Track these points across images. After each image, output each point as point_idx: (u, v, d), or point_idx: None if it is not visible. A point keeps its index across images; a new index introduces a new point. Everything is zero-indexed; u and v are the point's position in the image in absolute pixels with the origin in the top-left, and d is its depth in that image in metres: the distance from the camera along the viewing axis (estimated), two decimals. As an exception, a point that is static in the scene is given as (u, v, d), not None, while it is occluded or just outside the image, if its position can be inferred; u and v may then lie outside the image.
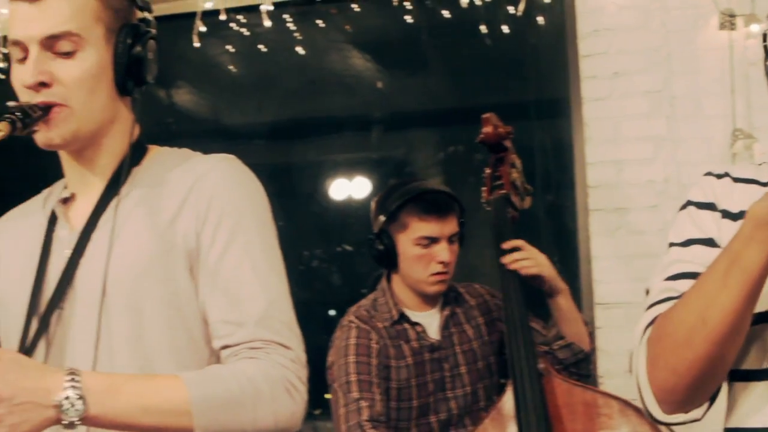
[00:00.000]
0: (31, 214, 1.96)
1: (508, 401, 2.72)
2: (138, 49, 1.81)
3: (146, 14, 1.88)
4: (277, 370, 1.67)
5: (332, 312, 4.23)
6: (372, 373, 2.91)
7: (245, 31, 4.35)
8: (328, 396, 3.05)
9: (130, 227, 1.78)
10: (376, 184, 4.55)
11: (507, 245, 2.92)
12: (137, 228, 1.78)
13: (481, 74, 4.39)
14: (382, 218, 3.08)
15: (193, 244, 1.75)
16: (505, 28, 4.05)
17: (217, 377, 1.65)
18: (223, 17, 4.16)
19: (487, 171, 3.11)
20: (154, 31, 1.86)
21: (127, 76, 1.81)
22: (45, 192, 2.00)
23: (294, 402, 1.68)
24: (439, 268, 3.02)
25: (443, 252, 3.01)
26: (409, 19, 4.14)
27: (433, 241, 3.02)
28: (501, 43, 4.15)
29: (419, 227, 3.02)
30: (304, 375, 1.72)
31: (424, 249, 3.02)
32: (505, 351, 3.07)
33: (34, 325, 1.78)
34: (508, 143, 3.09)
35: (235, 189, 1.80)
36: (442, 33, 4.30)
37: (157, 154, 1.93)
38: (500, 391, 2.94)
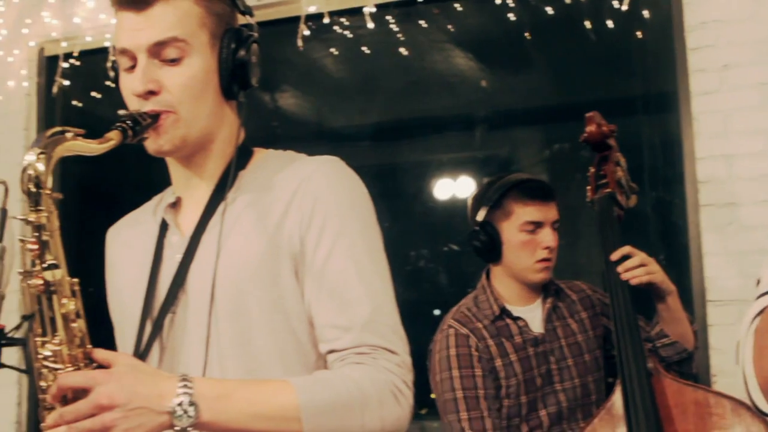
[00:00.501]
0: (143, 220, 2.00)
1: (617, 401, 2.68)
2: (242, 53, 1.84)
3: (248, 18, 1.90)
4: (383, 375, 1.68)
5: (437, 312, 4.22)
6: (478, 386, 2.90)
7: (348, 34, 4.37)
8: (434, 396, 3.06)
9: (237, 231, 1.80)
10: (480, 183, 4.53)
11: (615, 256, 2.86)
12: (244, 231, 1.80)
13: (586, 70, 4.33)
14: (484, 210, 3.08)
15: (297, 247, 1.77)
16: (610, 23, 3.99)
17: (325, 383, 1.66)
18: (326, 20, 4.19)
19: (592, 170, 3.07)
20: (256, 34, 1.89)
21: (232, 80, 1.84)
22: (155, 199, 2.04)
23: (400, 407, 1.69)
24: (545, 254, 3.02)
25: (548, 237, 3.02)
26: (511, 16, 4.12)
27: (537, 226, 3.02)
28: (606, 38, 4.09)
29: (524, 212, 3.03)
30: (410, 379, 1.72)
31: (529, 234, 3.02)
32: (608, 346, 3.07)
33: (148, 329, 1.83)
34: (612, 141, 3.05)
35: (339, 191, 1.81)
36: (546, 30, 4.25)
37: (262, 157, 1.95)
38: (609, 388, 2.91)
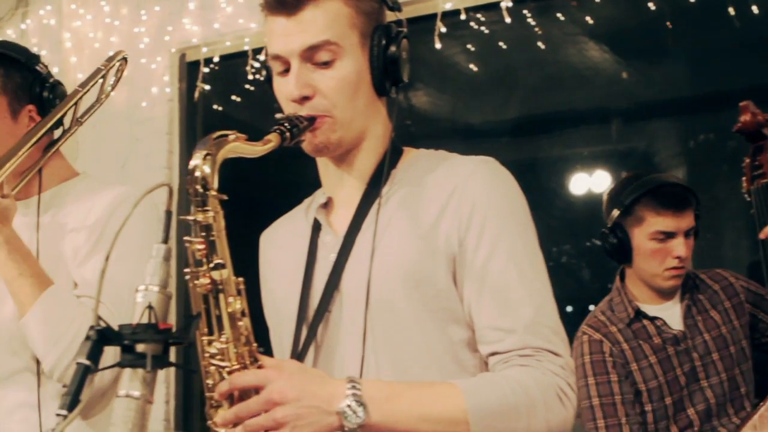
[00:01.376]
0: (296, 222, 2.02)
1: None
2: (392, 49, 1.84)
3: (397, 14, 1.90)
4: (548, 378, 1.66)
5: (591, 307, 4.17)
6: (614, 392, 2.86)
7: (485, 29, 4.35)
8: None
9: (392, 230, 1.80)
10: (617, 178, 4.45)
11: (764, 233, 2.80)
12: (399, 230, 1.80)
13: (729, 59, 4.21)
14: (616, 212, 3.03)
15: (455, 248, 1.76)
16: (755, 9, 3.87)
17: (492, 385, 1.64)
18: (463, 17, 4.18)
19: (746, 160, 2.98)
20: (405, 30, 1.88)
21: (384, 77, 1.84)
22: (307, 201, 2.06)
23: (565, 409, 1.67)
24: (675, 263, 2.95)
25: (679, 247, 2.94)
26: (651, 6, 4.03)
27: (669, 236, 2.95)
28: (751, 25, 3.97)
29: (656, 222, 2.96)
30: (573, 381, 1.70)
31: (659, 243, 2.96)
32: (756, 335, 3.01)
33: (305, 328, 1.85)
34: (767, 131, 2.96)
35: (498, 193, 1.80)
36: (687, 18, 4.15)
37: (413, 155, 1.95)
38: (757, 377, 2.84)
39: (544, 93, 4.63)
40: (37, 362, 2.28)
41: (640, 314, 2.99)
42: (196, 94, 4.73)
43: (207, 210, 1.56)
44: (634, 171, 3.35)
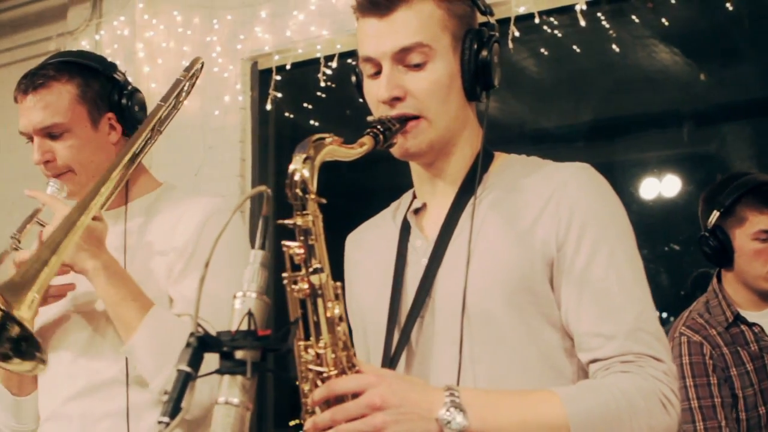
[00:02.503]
0: (383, 225, 2.01)
1: None
2: (484, 53, 1.82)
3: (488, 18, 1.88)
4: (651, 384, 1.63)
5: (663, 314, 4.11)
6: (714, 395, 2.81)
7: (558, 33, 4.31)
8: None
9: (487, 234, 1.78)
10: (688, 182, 4.40)
11: None
12: (495, 235, 1.78)
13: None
14: (716, 213, 2.97)
15: (553, 253, 1.73)
16: (837, 8, 3.81)
17: (592, 392, 1.62)
18: (536, 20, 4.15)
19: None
20: (497, 34, 1.86)
21: (475, 81, 1.82)
22: (394, 204, 2.05)
23: (669, 416, 1.63)
24: None
25: None
26: (729, 6, 3.97)
27: None
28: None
29: (759, 221, 2.91)
30: (677, 387, 1.67)
31: (762, 243, 2.90)
32: None
33: (396, 333, 1.83)
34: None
35: (596, 198, 1.77)
36: (765, 19, 4.08)
37: (505, 160, 1.93)
38: None
39: (616, 96, 4.59)
40: (126, 372, 2.30)
41: (738, 319, 2.93)
42: (269, 102, 4.75)
43: (306, 214, 1.55)
44: (729, 173, 3.30)
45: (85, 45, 5.20)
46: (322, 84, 4.60)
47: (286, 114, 4.93)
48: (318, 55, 4.57)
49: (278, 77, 4.76)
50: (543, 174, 1.82)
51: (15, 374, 2.40)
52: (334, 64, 4.53)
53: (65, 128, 2.38)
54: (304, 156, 1.55)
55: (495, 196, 1.83)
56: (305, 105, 4.90)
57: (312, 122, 4.95)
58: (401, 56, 1.77)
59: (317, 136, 1.60)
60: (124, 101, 2.47)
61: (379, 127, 1.71)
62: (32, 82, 2.40)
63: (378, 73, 1.80)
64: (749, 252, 2.91)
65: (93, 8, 5.26)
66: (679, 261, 4.22)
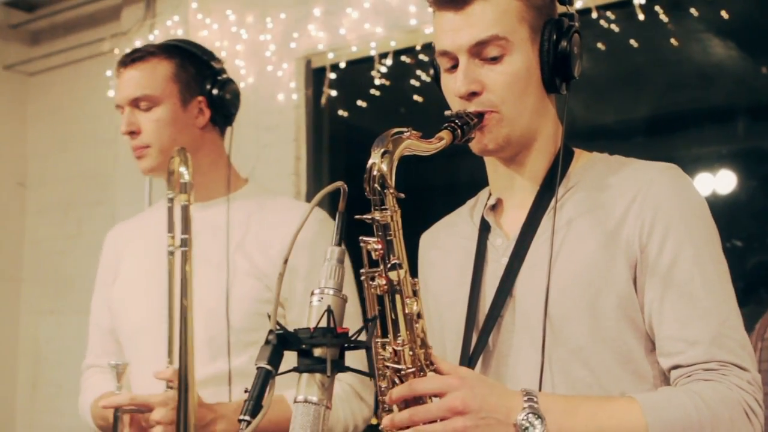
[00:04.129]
0: (459, 223, 1.99)
1: None
2: (563, 44, 1.79)
3: (568, 8, 1.85)
4: (735, 393, 1.59)
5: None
6: None
7: (615, 27, 4.26)
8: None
9: (572, 234, 1.75)
10: (744, 178, 4.32)
11: None
12: (579, 235, 1.74)
13: None
14: None
15: (637, 254, 1.69)
16: None
17: (673, 400, 1.58)
18: (594, 15, 4.10)
19: None
20: (577, 24, 1.83)
21: (555, 73, 1.80)
22: (471, 202, 2.02)
23: (753, 426, 1.60)
24: None
25: None
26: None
27: None
28: None
29: None
30: (761, 398, 1.62)
31: None
32: None
33: (474, 333, 1.80)
34: None
35: (682, 199, 1.72)
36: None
37: (587, 158, 1.89)
38: None
39: (674, 91, 4.52)
40: (229, 369, 2.32)
41: None
42: (323, 100, 4.73)
43: (385, 209, 1.54)
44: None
45: (138, 45, 5.21)
46: (377, 82, 4.58)
47: (340, 112, 4.91)
48: (372, 52, 4.54)
49: (332, 75, 4.73)
50: (628, 173, 1.78)
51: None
52: (388, 62, 4.50)
53: (155, 101, 2.51)
54: (382, 150, 1.54)
55: (581, 196, 1.79)
56: (359, 103, 4.87)
57: (366, 121, 4.92)
58: (478, 50, 1.75)
59: (396, 130, 1.59)
60: (216, 89, 2.55)
61: (457, 121, 1.69)
62: (132, 55, 2.56)
63: (455, 66, 1.78)
64: None
65: (146, 8, 5.28)
66: (742, 257, 4.14)
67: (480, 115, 1.74)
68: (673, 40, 4.21)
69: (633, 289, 1.70)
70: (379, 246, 1.53)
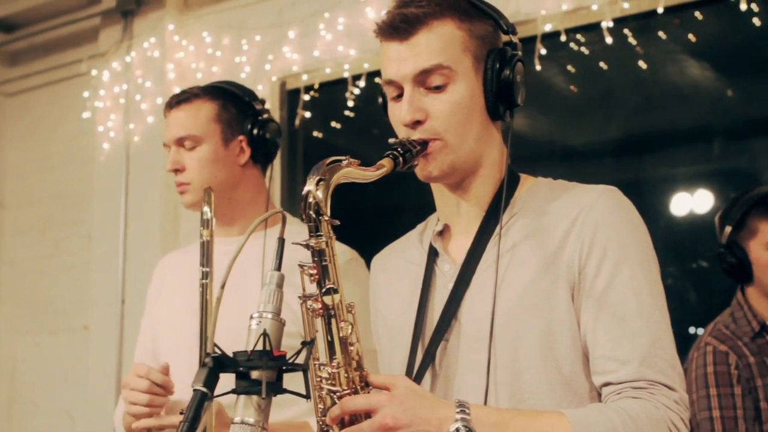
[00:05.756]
0: (409, 248, 2.01)
1: None
2: (506, 72, 1.82)
3: (511, 37, 1.89)
4: (661, 412, 1.62)
5: (692, 330, 4.09)
6: (737, 406, 2.79)
7: (585, 50, 4.31)
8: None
9: (515, 259, 1.78)
10: (720, 198, 4.36)
11: None
12: (523, 259, 1.77)
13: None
14: (728, 228, 2.97)
15: (575, 275, 1.73)
16: None
17: (601, 416, 1.62)
18: (563, 38, 4.15)
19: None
20: (520, 53, 1.86)
21: (498, 101, 1.83)
22: (420, 226, 2.05)
23: None
24: None
25: None
26: (756, 21, 3.95)
27: None
28: None
29: None
30: (687, 417, 1.66)
31: None
32: None
33: (420, 356, 1.83)
34: None
35: (621, 221, 1.76)
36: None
37: (532, 183, 1.92)
38: None
39: (645, 112, 4.57)
40: None
41: (764, 329, 2.93)
42: (297, 122, 4.78)
43: (320, 235, 1.57)
44: (741, 190, 3.29)
45: (116, 67, 5.26)
46: (350, 103, 4.62)
47: (315, 133, 4.95)
48: (346, 74, 4.60)
49: (306, 97, 4.78)
50: (569, 197, 1.82)
51: None
52: (362, 84, 4.55)
53: (198, 140, 2.63)
54: (317, 178, 1.57)
55: (523, 221, 1.83)
56: (333, 124, 4.92)
57: (340, 141, 4.96)
58: (422, 79, 1.78)
59: (332, 158, 1.62)
60: (256, 128, 2.66)
61: (399, 149, 1.72)
62: (178, 97, 2.69)
63: (400, 95, 1.81)
64: (766, 263, 2.91)
65: (124, 30, 5.32)
66: (707, 277, 4.18)
67: (424, 143, 1.77)
68: (642, 62, 4.26)
69: (573, 310, 1.74)
70: (315, 271, 1.57)
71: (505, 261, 1.78)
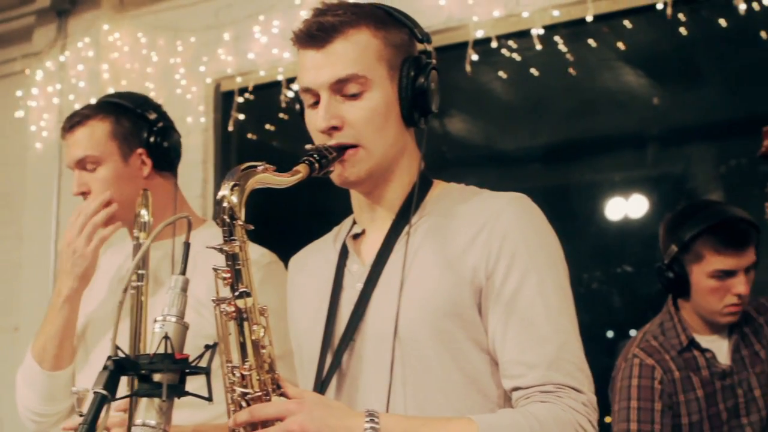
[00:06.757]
0: (324, 249, 2.04)
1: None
2: (421, 80, 1.86)
3: (426, 46, 1.92)
4: (568, 414, 1.66)
5: (610, 334, 4.15)
6: (654, 421, 2.82)
7: (516, 56, 4.37)
8: (608, 420, 3.00)
9: (420, 261, 1.81)
10: (653, 203, 4.44)
11: None
12: (428, 261, 1.81)
13: (762, 83, 4.19)
14: (674, 248, 2.96)
15: (483, 281, 1.76)
16: (788, 33, 3.87)
17: (510, 421, 1.65)
18: (494, 44, 4.20)
19: (769, 187, 2.95)
20: (434, 61, 1.90)
21: (413, 108, 1.86)
22: (335, 229, 2.08)
23: None
24: (734, 300, 2.89)
25: (740, 285, 2.88)
26: (683, 31, 4.03)
27: (729, 274, 2.88)
28: (783, 48, 3.96)
29: (716, 261, 2.89)
30: (595, 419, 1.70)
31: (719, 281, 2.89)
32: None
33: (329, 356, 1.86)
34: (790, 156, 2.92)
35: (529, 228, 1.80)
36: (719, 43, 4.14)
37: (443, 188, 1.96)
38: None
39: (579, 118, 4.63)
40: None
41: (692, 344, 2.95)
42: (231, 124, 4.78)
43: (234, 239, 1.59)
44: (692, 201, 3.29)
45: (50, 66, 5.23)
46: (284, 105, 4.64)
47: (249, 135, 4.96)
48: (280, 77, 4.61)
49: (241, 99, 4.79)
50: (478, 202, 1.86)
51: (53, 346, 2.56)
52: (296, 86, 4.55)
53: (97, 161, 2.61)
54: (232, 183, 1.59)
55: (431, 224, 1.86)
56: (268, 127, 4.93)
57: (274, 143, 4.98)
58: (338, 87, 1.81)
59: (248, 164, 1.64)
60: (153, 138, 2.64)
61: (315, 155, 1.75)
62: (71, 120, 2.67)
63: (317, 103, 1.84)
64: (705, 289, 2.91)
65: (58, 30, 5.29)
66: (631, 283, 4.25)
67: (340, 149, 1.80)
68: (572, 69, 4.32)
69: (477, 313, 1.77)
70: (228, 275, 1.59)
71: (411, 262, 1.82)
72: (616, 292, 4.41)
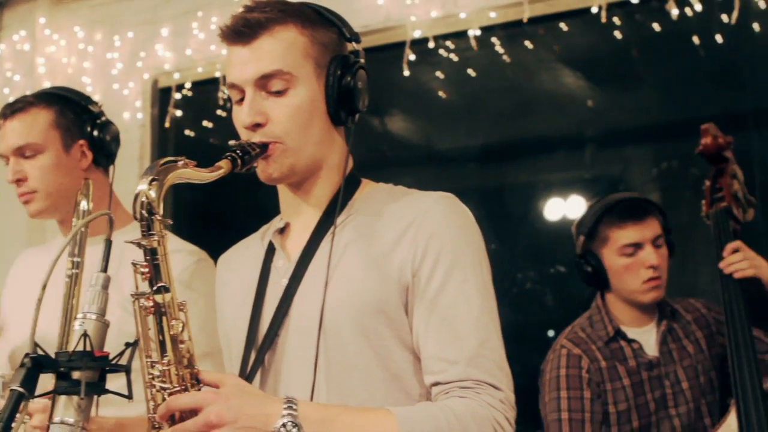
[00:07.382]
0: (251, 246, 2.05)
1: (732, 423, 2.62)
2: (348, 79, 1.87)
3: (355, 45, 1.93)
4: (486, 411, 1.68)
5: (551, 333, 4.19)
6: (585, 409, 2.86)
7: (454, 57, 4.39)
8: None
9: (346, 257, 1.83)
10: (591, 204, 4.49)
11: (726, 248, 2.85)
12: (354, 259, 1.82)
13: (696, 86, 4.25)
14: (582, 238, 3.05)
15: (408, 279, 1.78)
16: (719, 38, 3.92)
17: (427, 414, 1.67)
18: (431, 45, 4.22)
19: (707, 183, 3.02)
20: (362, 61, 1.91)
21: (339, 107, 1.87)
22: (264, 226, 2.09)
23: None
24: (650, 273, 2.95)
25: (650, 256, 2.95)
26: (618, 34, 4.08)
27: (637, 247, 2.97)
28: (715, 53, 4.02)
29: (619, 236, 2.98)
30: (513, 416, 1.72)
31: (629, 258, 2.97)
32: (726, 367, 2.96)
33: (253, 352, 1.87)
34: (728, 154, 2.99)
35: (455, 227, 1.82)
36: (653, 46, 4.20)
37: (371, 187, 1.98)
38: (724, 408, 2.84)
39: (516, 119, 4.66)
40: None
41: (619, 334, 3.00)
42: (168, 120, 4.75)
43: (152, 234, 1.59)
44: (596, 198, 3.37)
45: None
46: (222, 102, 4.62)
47: (187, 132, 4.93)
48: (218, 74, 4.59)
49: (178, 95, 4.77)
50: (406, 201, 1.88)
51: None
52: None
53: (38, 149, 2.62)
54: (150, 178, 1.59)
55: (358, 222, 1.88)
56: (205, 123, 4.91)
57: (212, 140, 4.96)
58: (263, 83, 1.82)
59: (167, 159, 1.64)
60: (96, 131, 2.66)
61: (238, 151, 1.76)
62: (12, 107, 2.67)
63: (243, 99, 1.85)
64: (619, 268, 2.98)
65: (-7, 22, 5.22)
66: (565, 281, 4.29)
67: (264, 146, 1.81)
68: (509, 71, 4.36)
69: (403, 311, 1.79)
70: (146, 270, 1.59)
71: (337, 259, 1.83)
72: (550, 291, 4.45)
